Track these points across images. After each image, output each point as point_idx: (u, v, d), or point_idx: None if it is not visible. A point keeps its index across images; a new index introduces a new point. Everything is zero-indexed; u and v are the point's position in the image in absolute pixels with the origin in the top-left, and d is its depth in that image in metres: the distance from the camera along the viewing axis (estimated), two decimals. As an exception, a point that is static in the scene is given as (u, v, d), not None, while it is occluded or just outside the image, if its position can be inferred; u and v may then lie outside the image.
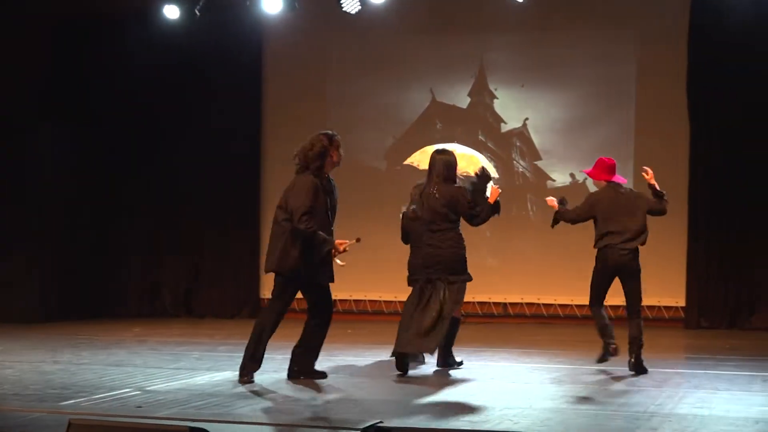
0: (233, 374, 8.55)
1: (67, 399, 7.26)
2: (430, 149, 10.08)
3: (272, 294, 8.53)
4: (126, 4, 14.66)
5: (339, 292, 14.91)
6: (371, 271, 14.43)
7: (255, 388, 7.86)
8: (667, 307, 13.70)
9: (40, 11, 14.68)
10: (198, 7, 12.96)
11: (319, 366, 8.59)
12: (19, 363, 9.42)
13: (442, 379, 8.53)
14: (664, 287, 13.62)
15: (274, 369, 8.99)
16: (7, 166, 14.18)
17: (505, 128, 14.49)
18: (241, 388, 7.87)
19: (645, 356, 8.92)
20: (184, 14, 13.12)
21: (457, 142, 14.54)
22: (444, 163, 9.11)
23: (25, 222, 14.16)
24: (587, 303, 9.36)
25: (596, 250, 9.34)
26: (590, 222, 9.41)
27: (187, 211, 15.19)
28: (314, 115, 15.06)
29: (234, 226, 15.13)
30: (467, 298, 9.52)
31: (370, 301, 14.78)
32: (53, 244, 14.42)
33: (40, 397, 7.42)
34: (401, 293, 14.55)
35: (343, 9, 12.43)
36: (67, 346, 10.88)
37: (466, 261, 9.03)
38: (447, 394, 7.59)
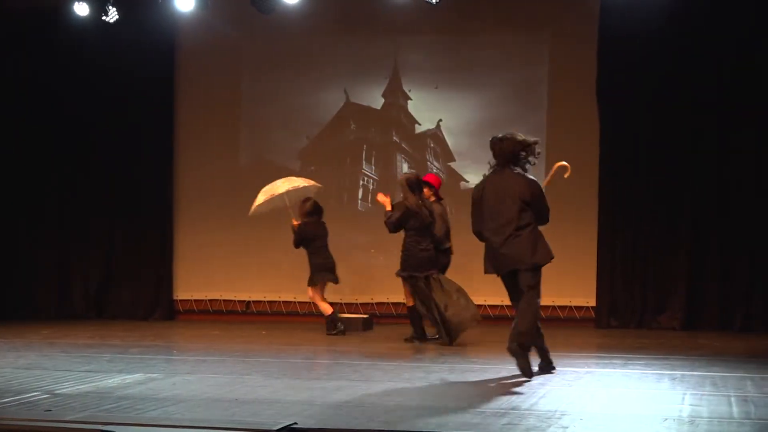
0: (144, 376, 8.44)
1: (-27, 403, 7.09)
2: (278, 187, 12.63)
3: (534, 284, 8.45)
4: (37, 2, 14.43)
5: (253, 293, 14.95)
6: (287, 272, 14.38)
7: (169, 392, 7.74)
8: (578, 307, 13.89)
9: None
10: (109, 4, 12.81)
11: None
12: (-77, 367, 9.19)
13: (359, 378, 8.52)
14: (576, 288, 13.83)
15: (187, 371, 8.90)
16: None
17: (419, 129, 14.57)
18: (151, 391, 7.75)
19: (557, 355, 9.11)
20: (95, 12, 13.00)
21: (372, 143, 14.66)
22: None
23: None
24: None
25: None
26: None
27: (97, 210, 14.99)
28: (227, 114, 15.00)
29: (146, 227, 14.98)
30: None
31: (284, 302, 14.72)
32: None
33: (-56, 402, 7.24)
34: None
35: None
36: (-27, 349, 10.65)
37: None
38: (364, 395, 7.58)
